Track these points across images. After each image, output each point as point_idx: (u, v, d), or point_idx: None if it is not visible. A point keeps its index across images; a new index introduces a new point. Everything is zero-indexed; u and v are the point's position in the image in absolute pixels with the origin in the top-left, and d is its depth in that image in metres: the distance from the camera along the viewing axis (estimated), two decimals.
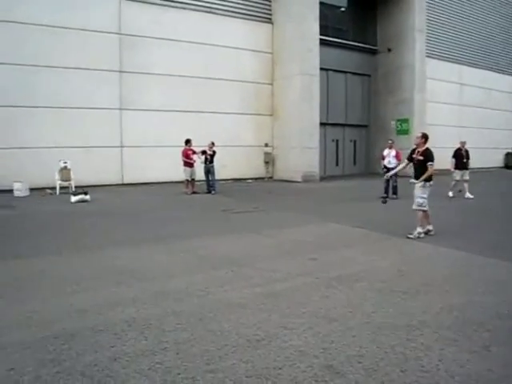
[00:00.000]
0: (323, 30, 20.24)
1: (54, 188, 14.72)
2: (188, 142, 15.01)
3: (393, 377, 3.13)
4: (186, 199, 13.96)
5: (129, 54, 16.97)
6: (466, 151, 14.18)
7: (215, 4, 18.90)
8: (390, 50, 23.62)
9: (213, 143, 15.19)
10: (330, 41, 21.82)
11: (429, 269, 5.99)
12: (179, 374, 3.19)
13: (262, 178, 20.50)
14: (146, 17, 17.20)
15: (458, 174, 14.01)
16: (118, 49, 16.80)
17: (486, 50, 28.83)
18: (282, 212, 11.25)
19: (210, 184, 15.23)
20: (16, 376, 3.17)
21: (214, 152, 15.14)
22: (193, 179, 15.08)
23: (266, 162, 20.73)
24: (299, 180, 19.13)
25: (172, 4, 17.84)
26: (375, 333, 3.85)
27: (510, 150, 30.53)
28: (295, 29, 19.27)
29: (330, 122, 22.90)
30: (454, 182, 14.11)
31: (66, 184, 14.81)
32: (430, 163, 7.85)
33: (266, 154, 20.65)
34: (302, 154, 19.30)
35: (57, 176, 14.79)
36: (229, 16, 19.24)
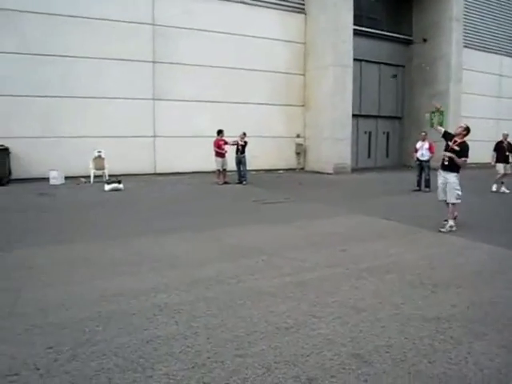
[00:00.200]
0: (357, 19, 19.94)
1: (88, 177, 15.06)
2: (220, 132, 15.12)
3: (420, 367, 3.15)
4: (217, 189, 14.09)
5: (162, 45, 17.14)
6: (509, 144, 13.68)
7: None
8: (425, 40, 23.11)
9: (244, 134, 15.24)
10: (364, 31, 21.51)
11: (460, 263, 5.93)
12: (209, 357, 3.29)
13: (293, 169, 20.48)
14: (179, 8, 17.30)
15: (501, 168, 13.48)
16: (152, 40, 16.98)
17: None
18: (312, 203, 11.25)
19: (242, 174, 15.32)
20: (54, 354, 3.32)
21: (246, 142, 15.21)
22: (224, 169, 15.20)
23: (298, 153, 20.68)
24: (330, 171, 19.04)
25: None
26: (404, 324, 3.86)
27: None
28: (328, 19, 19.08)
29: (362, 113, 22.66)
30: (498, 176, 13.60)
31: (99, 173, 15.14)
32: (464, 159, 7.75)
33: (298, 144, 20.59)
34: (334, 145, 19.18)
35: (91, 165, 15.14)
36: (261, 6, 19.17)
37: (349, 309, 4.21)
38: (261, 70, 19.21)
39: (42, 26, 15.02)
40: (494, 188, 13.61)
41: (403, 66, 24.23)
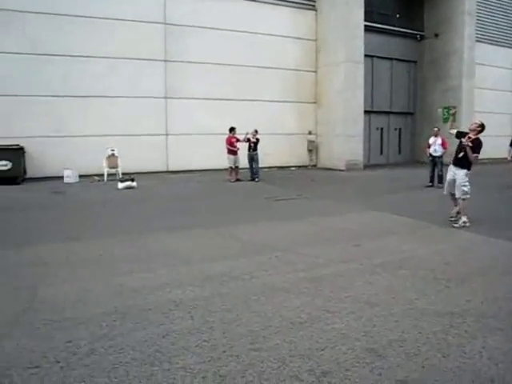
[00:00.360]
0: (368, 15, 19.85)
1: (101, 175, 15.20)
2: (232, 129, 15.17)
3: (434, 361, 3.17)
4: (229, 186, 14.15)
5: (173, 44, 17.22)
6: None
7: None
8: (437, 35, 22.93)
9: (256, 131, 15.27)
10: (375, 27, 21.40)
11: (474, 258, 5.92)
12: (225, 351, 3.34)
13: (305, 166, 20.47)
14: (190, 6, 17.36)
15: None
16: (164, 38, 17.07)
17: None
18: (324, 200, 11.27)
19: (254, 171, 15.36)
20: (73, 348, 3.39)
21: (258, 139, 15.23)
22: (236, 167, 15.25)
23: (310, 150, 20.67)
24: (343, 168, 19.01)
25: None
26: (418, 319, 3.88)
27: None
28: (339, 16, 19.04)
29: (374, 109, 22.57)
30: None
31: (113, 171, 15.27)
32: (475, 155, 7.70)
33: (310, 141, 20.58)
34: (346, 142, 19.15)
35: (104, 163, 15.26)
36: (272, 4, 19.17)
37: (362, 304, 4.24)
38: (272, 68, 19.21)
39: (52, 26, 15.14)
40: None
41: (415, 62, 24.08)
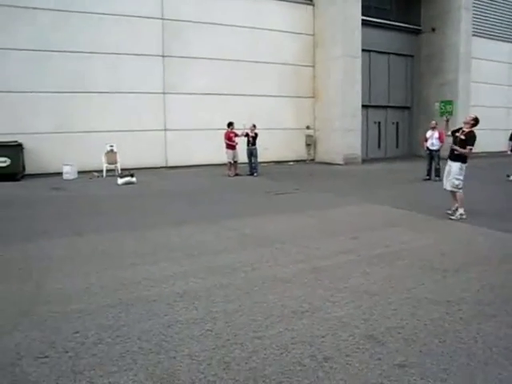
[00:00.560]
0: (365, 10, 19.90)
1: (100, 171, 15.24)
2: (230, 124, 15.24)
3: (431, 347, 3.29)
4: (229, 181, 14.24)
5: (171, 39, 17.23)
6: None
7: None
8: (433, 29, 22.98)
9: (254, 125, 15.33)
10: (373, 21, 21.43)
11: (470, 249, 6.04)
12: (228, 339, 3.44)
13: (304, 161, 20.55)
14: (188, 1, 17.36)
15: None
16: (161, 34, 17.08)
17: None
18: (323, 193, 11.37)
19: (253, 166, 15.42)
20: (81, 338, 3.50)
21: (256, 134, 15.29)
22: (235, 161, 15.31)
23: (308, 145, 20.74)
24: (341, 162, 19.10)
25: None
26: (415, 307, 4.00)
27: None
28: (337, 10, 19.06)
29: (372, 104, 22.62)
30: None
31: (112, 167, 15.31)
32: (469, 147, 7.82)
33: (308, 136, 20.65)
34: (344, 136, 19.23)
35: (103, 159, 15.29)
36: None
37: (362, 293, 4.35)
38: (270, 63, 19.25)
39: (54, 22, 15.17)
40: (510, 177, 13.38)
41: (412, 56, 24.13)
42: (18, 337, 3.52)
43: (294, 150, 20.30)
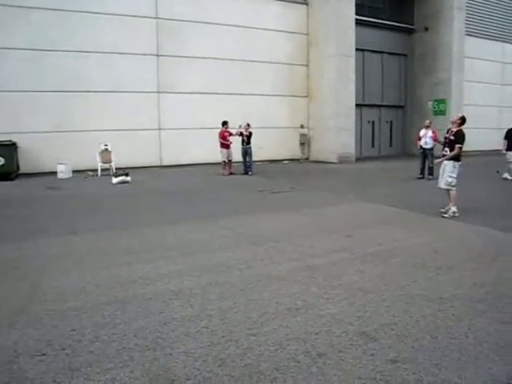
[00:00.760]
0: (359, 9, 20.00)
1: (95, 170, 15.25)
2: (225, 123, 15.27)
3: (423, 342, 3.35)
4: (223, 180, 14.27)
5: (166, 38, 17.25)
6: None
7: None
8: (427, 29, 23.12)
9: (248, 124, 15.36)
10: (366, 21, 21.53)
11: (463, 246, 6.11)
12: (224, 336, 3.48)
13: (298, 159, 20.62)
14: (182, 1, 17.38)
15: (511, 156, 13.32)
16: (156, 33, 17.08)
17: None
18: (317, 192, 11.43)
19: (247, 165, 15.46)
20: (78, 336, 3.53)
21: (251, 133, 15.33)
22: (229, 160, 15.35)
23: (302, 144, 20.81)
24: (335, 161, 19.19)
25: None
26: (408, 304, 4.05)
27: None
28: (331, 10, 19.13)
29: (365, 103, 22.74)
30: (511, 166, 13.38)
31: (106, 166, 15.32)
32: (457, 145, 7.94)
33: (302, 135, 20.72)
34: (338, 135, 19.31)
35: (98, 158, 15.30)
36: None
37: (355, 290, 4.40)
38: (265, 62, 19.31)
39: (50, 21, 15.15)
40: (509, 176, 13.37)
41: (405, 55, 24.25)
42: (15, 335, 3.55)
43: (288, 148, 20.36)
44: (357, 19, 19.70)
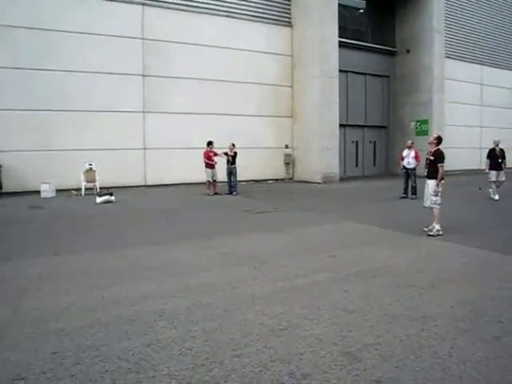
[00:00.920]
0: (342, 31, 20.36)
1: (79, 189, 15.12)
2: (210, 143, 15.31)
3: (407, 362, 3.35)
4: (208, 200, 14.24)
5: (152, 58, 17.35)
6: (501, 151, 13.61)
7: (236, 8, 19.16)
8: (408, 51, 23.62)
9: (233, 144, 15.43)
10: (349, 43, 21.91)
11: (445, 265, 6.17)
12: (208, 358, 3.46)
13: (282, 179, 20.70)
14: (168, 22, 17.55)
15: (493, 175, 13.44)
16: (142, 53, 17.19)
17: (508, 49, 28.51)
18: (302, 212, 11.46)
19: (232, 185, 15.46)
20: (59, 359, 3.47)
21: (236, 153, 15.38)
22: (214, 180, 15.34)
23: (287, 164, 20.92)
24: (319, 181, 19.29)
25: (193, 9, 18.15)
26: (391, 323, 4.07)
27: None
28: (314, 32, 19.45)
29: (349, 123, 22.99)
30: (494, 186, 13.45)
31: (90, 185, 15.19)
32: (439, 164, 8.09)
33: (286, 155, 20.84)
34: (322, 155, 19.46)
35: (82, 177, 15.19)
36: (249, 20, 19.50)
37: (339, 311, 4.41)
38: (250, 82, 19.49)
39: (34, 40, 15.17)
40: (496, 197, 13.32)
41: (388, 77, 24.66)
42: None
43: (273, 168, 20.45)
44: (340, 41, 20.04)
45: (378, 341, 3.72)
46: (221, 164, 15.47)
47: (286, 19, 20.59)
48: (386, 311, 4.38)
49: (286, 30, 20.63)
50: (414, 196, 13.59)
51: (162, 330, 3.99)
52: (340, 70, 20.11)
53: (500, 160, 13.52)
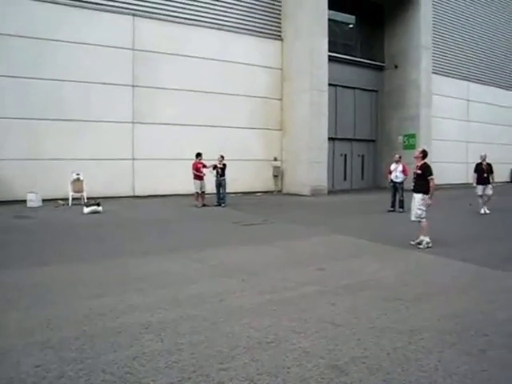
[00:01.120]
0: (332, 46, 20.55)
1: (66, 199, 15.00)
2: (199, 155, 15.31)
3: (394, 376, 3.35)
4: (196, 212, 14.21)
5: (142, 69, 17.38)
6: (488, 165, 13.70)
7: (226, 21, 19.29)
8: (396, 66, 23.96)
9: (222, 156, 15.44)
10: (339, 57, 22.17)
11: (433, 279, 6.20)
12: (194, 371, 3.42)
13: (271, 192, 20.72)
14: (159, 33, 17.61)
15: (479, 189, 13.57)
16: (132, 64, 17.21)
17: (494, 66, 29.02)
18: (290, 224, 11.47)
19: (221, 197, 15.44)
20: (42, 372, 3.40)
21: (225, 165, 15.40)
22: (203, 192, 15.31)
23: (275, 176, 20.97)
24: (307, 194, 19.34)
25: (184, 21, 18.24)
26: (379, 336, 4.07)
27: None
28: (304, 45, 19.64)
29: (338, 136, 23.16)
30: (480, 200, 13.63)
31: (78, 195, 15.06)
32: (430, 177, 8.20)
33: (275, 167, 20.89)
34: (311, 168, 19.54)
35: (69, 187, 15.08)
36: (240, 33, 19.63)
37: (327, 324, 4.40)
38: (239, 95, 19.58)
39: (27, 49, 15.13)
40: (483, 211, 13.54)
41: (376, 91, 24.93)
42: None
43: (262, 181, 20.48)
44: (330, 56, 20.26)
45: (365, 354, 3.71)
46: (209, 175, 15.46)
47: (277, 32, 20.77)
48: (374, 324, 4.38)
49: (277, 43, 20.80)
50: (401, 209, 13.68)
51: (148, 342, 3.95)
52: (329, 84, 20.30)
53: (486, 175, 13.61)
